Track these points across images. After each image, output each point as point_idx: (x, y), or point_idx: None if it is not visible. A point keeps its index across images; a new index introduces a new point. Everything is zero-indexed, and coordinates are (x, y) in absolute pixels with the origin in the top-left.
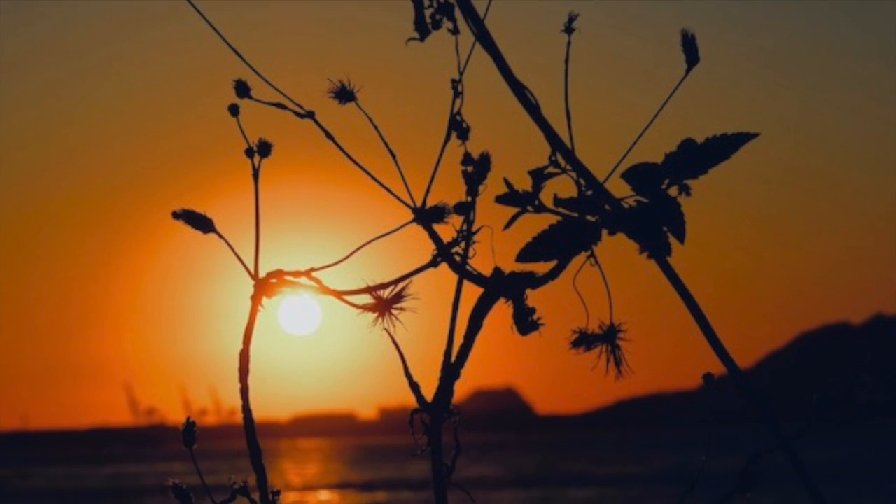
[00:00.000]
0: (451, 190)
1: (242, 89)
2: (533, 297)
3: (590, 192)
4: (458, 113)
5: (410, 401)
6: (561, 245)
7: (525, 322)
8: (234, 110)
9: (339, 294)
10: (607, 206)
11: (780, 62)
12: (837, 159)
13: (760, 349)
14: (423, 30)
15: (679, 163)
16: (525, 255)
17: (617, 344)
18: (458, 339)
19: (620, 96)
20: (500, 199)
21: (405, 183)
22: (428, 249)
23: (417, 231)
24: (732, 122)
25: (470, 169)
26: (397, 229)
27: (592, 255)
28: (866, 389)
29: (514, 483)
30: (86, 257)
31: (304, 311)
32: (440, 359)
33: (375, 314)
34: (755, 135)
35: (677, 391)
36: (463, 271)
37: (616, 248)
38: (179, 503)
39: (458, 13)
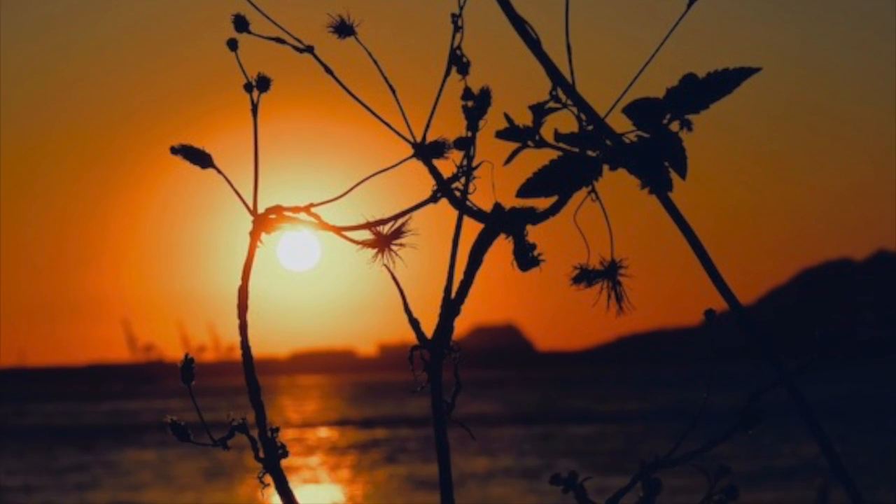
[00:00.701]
0: (451, 125)
1: (241, 24)
2: (533, 233)
3: (591, 128)
4: (459, 47)
5: (410, 337)
6: (562, 180)
7: (525, 258)
8: (232, 45)
9: (339, 230)
10: (608, 142)
11: None
12: (840, 94)
13: (762, 285)
14: None
15: (680, 98)
16: (525, 190)
17: (618, 280)
18: (459, 276)
19: (622, 31)
20: (501, 135)
21: (405, 118)
22: (428, 185)
23: (417, 166)
24: (734, 57)
25: (470, 104)
26: (397, 164)
27: (593, 190)
28: (868, 325)
29: (515, 420)
30: (84, 193)
31: (303, 247)
32: (440, 295)
33: (375, 250)
34: (757, 69)
35: (678, 327)
36: (463, 207)
37: (617, 184)
38: (177, 440)
39: None
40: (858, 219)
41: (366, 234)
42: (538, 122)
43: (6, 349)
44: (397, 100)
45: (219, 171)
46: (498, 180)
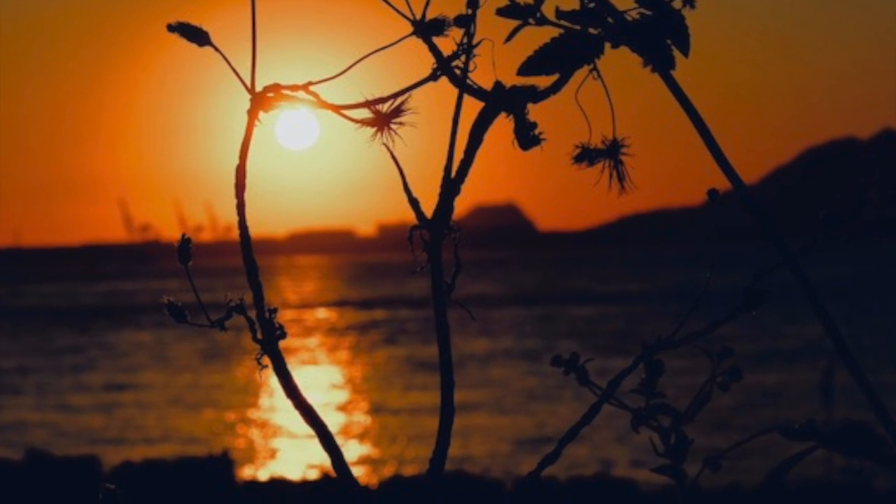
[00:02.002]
0: (451, 3)
1: None
2: (534, 112)
3: (592, 5)
4: None
5: (409, 217)
6: (563, 58)
7: (526, 137)
8: None
9: (338, 108)
10: (610, 19)
11: None
12: None
13: (766, 164)
14: None
15: None
16: (526, 68)
17: (620, 159)
18: (459, 155)
19: None
20: (502, 12)
21: None
22: (427, 63)
23: (416, 44)
24: None
25: None
26: (396, 42)
27: (595, 68)
28: (873, 205)
29: (516, 301)
30: (79, 71)
31: (300, 126)
32: (440, 174)
33: (374, 129)
34: None
35: (681, 207)
36: (463, 85)
37: (619, 62)
38: (174, 321)
39: None
40: (863, 97)
41: (365, 113)
42: None
43: (1, 229)
44: None
45: (216, 49)
46: (498, 58)
